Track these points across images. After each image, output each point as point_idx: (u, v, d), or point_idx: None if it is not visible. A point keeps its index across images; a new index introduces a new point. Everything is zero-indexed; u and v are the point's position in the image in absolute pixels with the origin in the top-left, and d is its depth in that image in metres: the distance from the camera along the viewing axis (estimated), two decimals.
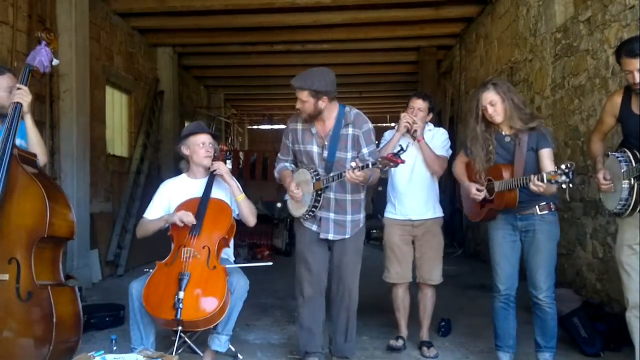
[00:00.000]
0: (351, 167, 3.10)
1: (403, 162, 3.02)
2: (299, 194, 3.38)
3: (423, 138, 3.82)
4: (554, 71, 5.76)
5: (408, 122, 3.77)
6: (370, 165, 3.09)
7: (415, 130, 3.77)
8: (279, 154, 3.66)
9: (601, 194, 3.15)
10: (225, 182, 3.59)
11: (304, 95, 3.29)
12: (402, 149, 3.27)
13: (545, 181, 2.94)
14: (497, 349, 3.47)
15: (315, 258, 3.47)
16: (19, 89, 3.04)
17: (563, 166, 2.86)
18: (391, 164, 3.02)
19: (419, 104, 3.84)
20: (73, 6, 6.21)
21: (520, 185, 3.12)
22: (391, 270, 3.94)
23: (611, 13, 4.56)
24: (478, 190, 3.35)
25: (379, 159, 3.06)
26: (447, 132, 4.05)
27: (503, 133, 3.33)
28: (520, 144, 3.25)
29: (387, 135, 3.97)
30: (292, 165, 3.60)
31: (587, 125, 4.96)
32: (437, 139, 3.94)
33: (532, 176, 3.02)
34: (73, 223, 3.05)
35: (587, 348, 3.85)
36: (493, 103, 3.25)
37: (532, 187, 3.02)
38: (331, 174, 3.33)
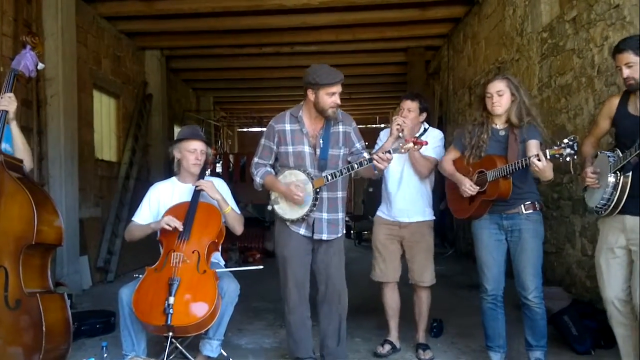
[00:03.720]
0: (383, 152, 3.18)
1: (426, 143, 3.23)
2: (302, 198, 3.29)
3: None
4: (541, 70, 5.80)
5: (398, 124, 3.75)
6: (392, 152, 3.20)
7: (402, 130, 3.75)
8: (256, 159, 3.50)
9: (586, 193, 3.15)
10: (210, 197, 3.57)
11: (340, 87, 3.32)
12: (424, 131, 3.56)
13: (549, 157, 2.94)
14: (488, 348, 3.49)
15: (301, 263, 3.43)
16: (4, 96, 3.01)
17: (566, 140, 2.88)
18: (415, 146, 3.18)
19: (407, 104, 3.84)
20: (59, 10, 6.16)
21: (518, 168, 3.11)
22: (377, 269, 3.93)
23: (596, 12, 4.60)
24: (471, 187, 3.33)
25: (401, 145, 3.19)
26: (442, 134, 3.99)
27: (497, 127, 3.35)
28: (515, 137, 3.27)
29: (382, 135, 3.96)
30: (271, 169, 3.50)
31: (574, 124, 5.00)
32: (431, 138, 3.87)
33: (533, 156, 3.01)
34: (61, 229, 3.01)
35: (577, 346, 3.88)
36: (500, 94, 3.26)
37: (533, 166, 3.00)
38: (338, 169, 3.31)
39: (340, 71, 3.31)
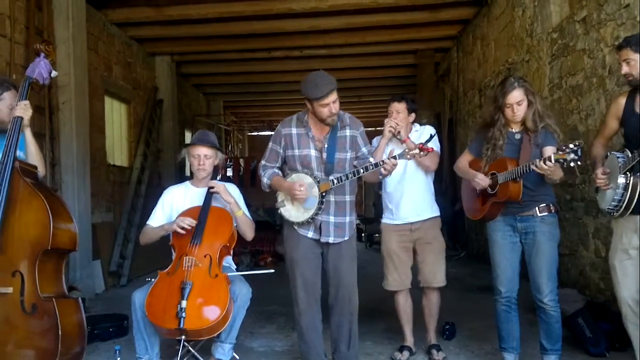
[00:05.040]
0: (388, 158, 3.19)
1: (432, 150, 3.26)
2: (305, 193, 3.28)
3: (408, 138, 3.81)
4: (551, 71, 5.77)
5: (391, 127, 3.79)
6: (398, 157, 3.19)
7: (399, 132, 3.78)
8: (263, 161, 3.52)
9: (597, 194, 3.14)
10: (223, 200, 3.60)
11: (335, 95, 3.29)
12: (431, 136, 3.51)
13: (553, 161, 2.93)
14: (502, 350, 3.47)
15: (310, 266, 3.43)
16: (19, 103, 3.05)
17: (571, 145, 2.87)
18: (421, 152, 3.18)
19: (395, 106, 3.86)
20: (70, 17, 6.22)
21: (525, 171, 3.11)
22: (389, 278, 3.91)
23: (606, 12, 4.57)
24: (483, 179, 3.33)
25: (407, 150, 3.20)
26: (434, 129, 3.98)
27: (513, 130, 3.34)
28: (530, 140, 3.27)
29: (375, 142, 3.96)
30: (279, 171, 3.51)
31: (586, 124, 4.97)
32: (425, 136, 3.87)
33: (538, 160, 3.01)
34: (75, 234, 3.05)
35: (592, 348, 3.84)
36: (520, 103, 3.25)
37: (538, 169, 3.01)
38: (344, 173, 3.32)
39: (332, 78, 3.26)
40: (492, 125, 3.35)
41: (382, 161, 3.22)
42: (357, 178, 3.35)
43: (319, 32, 8.72)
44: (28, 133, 3.15)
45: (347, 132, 3.44)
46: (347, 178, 3.31)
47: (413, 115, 3.93)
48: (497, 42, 7.44)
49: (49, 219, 2.84)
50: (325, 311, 3.53)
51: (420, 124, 4.08)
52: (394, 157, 3.20)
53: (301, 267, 3.42)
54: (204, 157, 3.61)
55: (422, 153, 3.21)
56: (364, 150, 3.49)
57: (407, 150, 3.22)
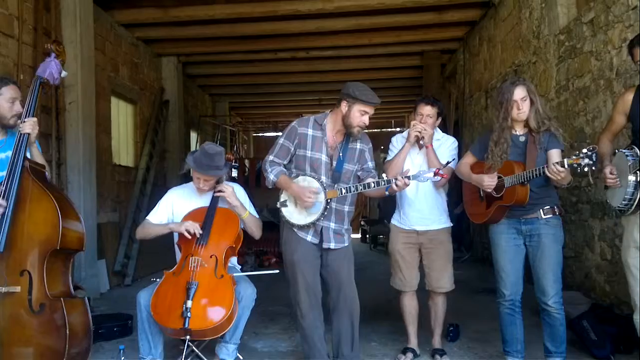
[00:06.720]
0: (400, 177, 3.23)
1: (447, 177, 3.36)
2: (311, 202, 3.30)
3: (431, 145, 3.76)
4: (558, 73, 5.75)
5: (418, 132, 3.71)
6: (411, 178, 3.24)
7: (423, 137, 3.72)
8: (271, 156, 3.45)
9: (607, 192, 3.12)
10: (230, 203, 3.60)
11: (373, 110, 3.39)
12: (448, 162, 3.61)
13: (566, 166, 2.93)
14: (506, 354, 3.46)
15: (310, 268, 3.44)
16: (28, 119, 3.03)
17: (585, 150, 2.87)
18: (435, 177, 3.24)
19: (427, 110, 3.75)
20: (78, 18, 6.25)
21: (534, 176, 3.10)
22: (396, 277, 3.91)
23: (614, 14, 4.56)
24: (490, 179, 3.31)
25: (421, 172, 3.26)
26: (456, 142, 3.93)
27: (517, 133, 3.33)
28: (534, 142, 3.26)
29: (395, 140, 3.93)
30: (285, 170, 3.48)
31: (593, 127, 4.95)
32: (445, 147, 3.84)
33: (551, 165, 3.00)
34: (83, 235, 3.06)
35: (597, 351, 3.82)
36: (524, 99, 3.25)
37: (550, 174, 2.99)
38: (353, 184, 3.37)
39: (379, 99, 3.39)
40: (497, 128, 3.33)
41: (395, 178, 3.22)
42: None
43: (325, 33, 8.73)
44: (34, 149, 3.15)
45: (358, 145, 3.50)
46: (357, 190, 3.34)
47: (439, 120, 3.86)
48: (504, 43, 7.43)
49: (59, 219, 2.85)
50: (326, 313, 3.52)
51: (442, 131, 3.98)
52: (408, 177, 3.22)
53: (302, 269, 3.42)
54: (204, 180, 3.57)
55: (436, 178, 3.24)
56: (370, 164, 3.56)
57: (421, 171, 3.25)
